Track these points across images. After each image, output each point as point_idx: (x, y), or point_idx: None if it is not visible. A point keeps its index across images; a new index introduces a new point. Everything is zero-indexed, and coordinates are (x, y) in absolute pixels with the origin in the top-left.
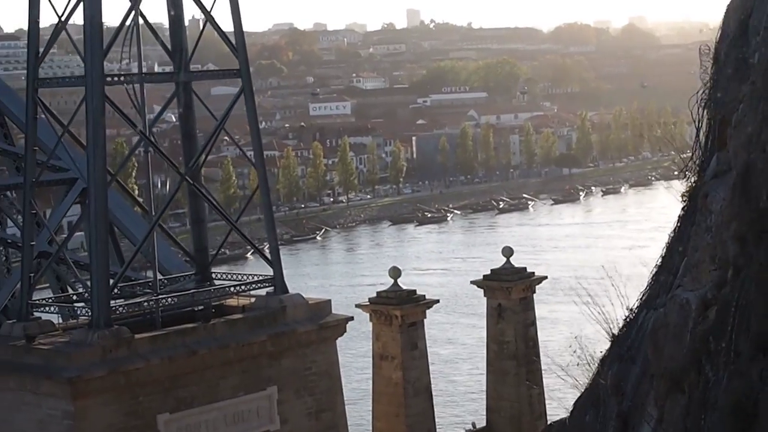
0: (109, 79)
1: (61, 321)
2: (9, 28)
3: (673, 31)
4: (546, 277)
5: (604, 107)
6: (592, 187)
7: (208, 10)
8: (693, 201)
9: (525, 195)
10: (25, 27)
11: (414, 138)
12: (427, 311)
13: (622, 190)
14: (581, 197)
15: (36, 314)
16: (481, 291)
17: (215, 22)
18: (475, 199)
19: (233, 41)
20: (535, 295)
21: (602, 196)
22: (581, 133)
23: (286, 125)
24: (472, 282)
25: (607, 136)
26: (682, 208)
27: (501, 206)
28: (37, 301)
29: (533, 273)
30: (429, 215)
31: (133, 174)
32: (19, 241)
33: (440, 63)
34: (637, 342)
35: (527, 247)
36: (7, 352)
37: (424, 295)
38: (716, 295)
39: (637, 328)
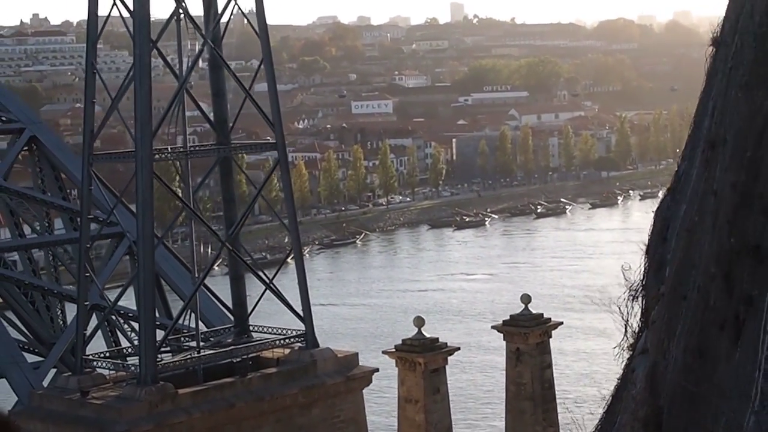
0: (157, 156)
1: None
2: (55, 20)
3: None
4: (562, 323)
5: (645, 107)
6: (630, 191)
7: (248, 87)
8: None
9: (563, 199)
10: (71, 19)
11: (454, 140)
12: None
13: (660, 194)
14: (619, 201)
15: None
16: (501, 335)
17: (255, 101)
18: (514, 202)
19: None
20: (551, 339)
21: (640, 200)
22: (620, 135)
23: (328, 126)
24: (493, 327)
25: (647, 139)
26: (627, 359)
27: (539, 210)
28: (91, 356)
29: (549, 319)
30: (467, 219)
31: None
32: (73, 294)
33: (482, 61)
34: None
35: (566, 253)
36: (63, 404)
37: (446, 343)
38: None
39: None
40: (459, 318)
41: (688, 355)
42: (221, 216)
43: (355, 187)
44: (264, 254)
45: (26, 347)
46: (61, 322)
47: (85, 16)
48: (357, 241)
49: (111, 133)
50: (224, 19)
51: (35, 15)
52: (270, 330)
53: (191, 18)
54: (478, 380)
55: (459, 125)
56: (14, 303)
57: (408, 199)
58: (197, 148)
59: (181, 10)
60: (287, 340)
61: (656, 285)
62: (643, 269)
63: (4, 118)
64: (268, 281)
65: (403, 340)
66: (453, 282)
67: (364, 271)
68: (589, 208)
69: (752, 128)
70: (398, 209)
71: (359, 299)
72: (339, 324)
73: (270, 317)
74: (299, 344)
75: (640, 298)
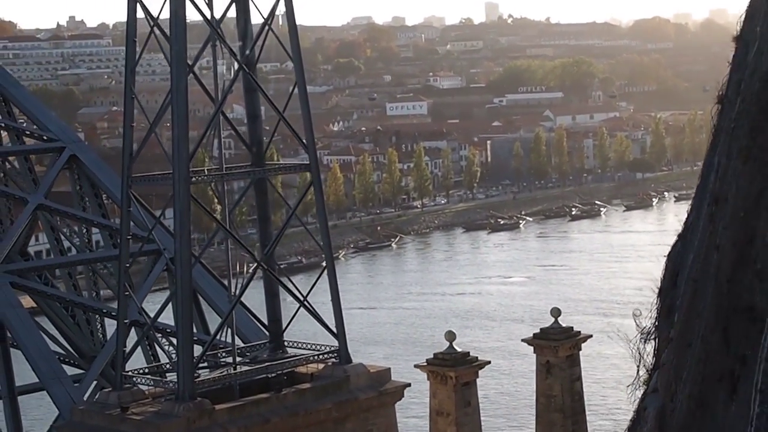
0: (194, 178)
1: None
2: (92, 23)
3: None
4: (591, 336)
5: (680, 107)
6: (665, 193)
7: (282, 111)
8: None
9: (597, 201)
10: (107, 21)
11: (489, 142)
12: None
13: None
14: (654, 203)
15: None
16: (531, 348)
17: (288, 122)
18: (548, 204)
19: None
20: (581, 352)
21: (675, 201)
22: (655, 136)
23: (363, 128)
24: (523, 340)
25: (682, 140)
26: (641, 395)
27: (573, 213)
28: (131, 373)
29: (579, 332)
30: (502, 222)
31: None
32: (113, 311)
33: (517, 61)
34: None
35: (602, 256)
36: (104, 420)
37: (477, 357)
38: None
39: None
40: (496, 323)
41: (692, 402)
42: (256, 218)
43: (390, 190)
44: (299, 258)
45: (65, 360)
46: (101, 336)
47: (120, 18)
48: (392, 244)
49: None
50: (254, 24)
51: (72, 17)
52: (304, 345)
53: (227, 44)
54: (513, 387)
55: (494, 126)
56: (55, 317)
57: (443, 201)
58: (233, 170)
59: (216, 33)
60: (321, 356)
61: (667, 328)
62: (655, 311)
63: (45, 137)
64: (302, 298)
65: (434, 354)
66: (488, 285)
67: (400, 274)
68: (624, 210)
69: (749, 192)
70: (433, 212)
71: (396, 303)
72: (376, 329)
73: (305, 320)
74: (333, 360)
75: (653, 337)
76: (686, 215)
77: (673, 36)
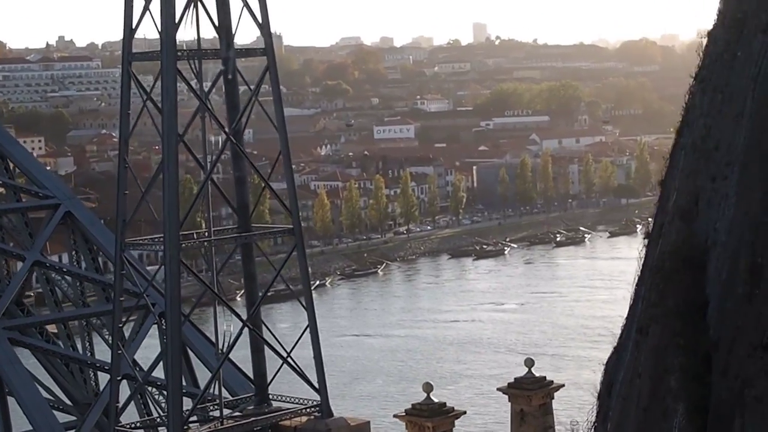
0: (183, 244)
1: None
2: (81, 42)
3: None
4: (563, 385)
5: (666, 130)
6: (650, 219)
7: (267, 178)
8: None
9: (582, 228)
10: (97, 41)
11: (475, 167)
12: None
13: None
14: (638, 230)
15: None
16: (506, 397)
17: (274, 191)
18: (533, 230)
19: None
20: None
21: None
22: (639, 161)
23: (350, 153)
24: (498, 389)
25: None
26: None
27: (558, 239)
28: (124, 428)
29: (552, 381)
30: (487, 248)
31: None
32: (106, 364)
33: (504, 84)
34: None
35: (588, 283)
36: None
37: (453, 408)
38: None
39: None
40: (481, 355)
41: None
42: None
43: (377, 216)
44: (286, 285)
45: (58, 407)
46: (94, 384)
47: (109, 38)
48: (378, 271)
49: (136, 159)
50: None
51: (61, 37)
52: (288, 399)
53: (215, 117)
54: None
55: (480, 151)
56: (48, 365)
57: (429, 227)
58: (221, 234)
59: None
60: (304, 410)
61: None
62: (595, 413)
63: (41, 194)
64: (286, 355)
65: (412, 405)
66: (478, 312)
67: (387, 302)
68: (608, 237)
69: (662, 334)
70: (419, 238)
71: (383, 330)
72: (364, 360)
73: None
74: (315, 413)
75: None
76: (620, 331)
77: (659, 59)
